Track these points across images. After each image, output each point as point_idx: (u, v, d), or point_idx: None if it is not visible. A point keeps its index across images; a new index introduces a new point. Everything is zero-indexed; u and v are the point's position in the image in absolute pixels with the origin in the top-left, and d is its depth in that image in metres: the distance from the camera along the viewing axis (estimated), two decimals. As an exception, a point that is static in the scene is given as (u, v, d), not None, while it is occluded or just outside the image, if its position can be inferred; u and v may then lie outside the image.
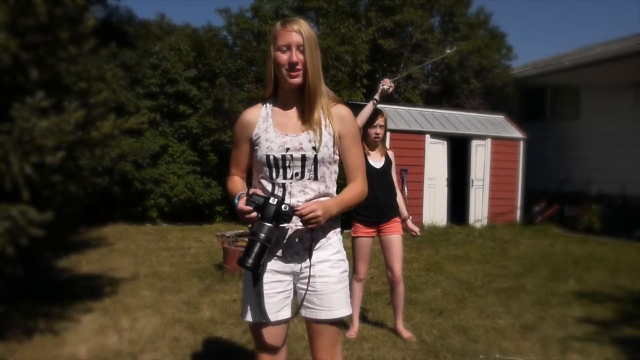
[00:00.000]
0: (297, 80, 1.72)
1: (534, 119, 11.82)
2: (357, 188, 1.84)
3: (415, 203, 9.65)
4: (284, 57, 1.70)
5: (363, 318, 3.99)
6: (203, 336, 3.59)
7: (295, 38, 1.68)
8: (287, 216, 1.66)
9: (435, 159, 9.95)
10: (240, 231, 6.04)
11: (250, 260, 1.63)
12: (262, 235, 1.63)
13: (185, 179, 9.79)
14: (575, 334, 3.77)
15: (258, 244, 1.63)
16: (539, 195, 10.89)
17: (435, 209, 9.98)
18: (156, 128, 9.84)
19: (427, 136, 9.83)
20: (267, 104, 1.84)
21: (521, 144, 10.68)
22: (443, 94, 12.69)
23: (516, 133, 10.75)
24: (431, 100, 12.31)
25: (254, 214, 1.66)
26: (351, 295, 3.40)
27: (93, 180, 4.09)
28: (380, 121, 3.61)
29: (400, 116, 9.89)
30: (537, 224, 10.31)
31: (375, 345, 3.45)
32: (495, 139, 10.43)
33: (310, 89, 1.72)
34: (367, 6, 12.08)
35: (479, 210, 10.39)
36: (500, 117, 11.14)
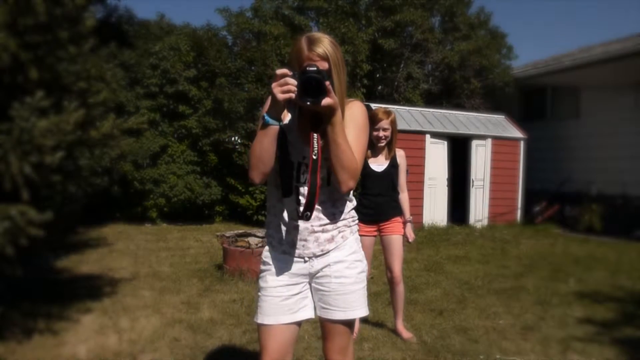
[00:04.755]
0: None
1: (534, 119, 11.82)
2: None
3: (416, 203, 9.64)
4: None
5: (363, 318, 3.98)
6: (203, 336, 3.59)
7: (321, 65, 1.60)
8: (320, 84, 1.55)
9: (436, 159, 9.94)
10: (240, 231, 6.04)
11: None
12: (312, 67, 1.54)
13: (185, 179, 9.78)
14: (576, 334, 3.77)
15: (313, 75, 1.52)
16: (539, 195, 10.89)
17: (435, 209, 9.98)
18: (156, 128, 9.83)
19: (428, 136, 9.83)
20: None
21: (521, 144, 10.67)
22: (443, 94, 12.69)
23: (516, 133, 10.75)
24: (431, 100, 12.31)
25: (292, 84, 1.53)
26: None
27: (92, 180, 4.10)
28: (383, 124, 3.47)
29: (401, 116, 9.88)
30: (538, 224, 10.31)
31: (375, 346, 3.45)
32: (495, 138, 10.43)
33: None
34: (367, 6, 12.07)
35: (479, 210, 10.38)
36: (500, 117, 11.14)
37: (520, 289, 5.14)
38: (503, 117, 11.16)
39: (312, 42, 1.66)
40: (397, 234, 3.57)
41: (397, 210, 3.62)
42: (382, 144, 3.53)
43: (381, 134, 3.48)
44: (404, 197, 3.68)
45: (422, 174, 9.76)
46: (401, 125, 9.56)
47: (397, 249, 3.57)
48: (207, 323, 3.86)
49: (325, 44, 1.65)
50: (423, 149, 9.75)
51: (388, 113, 3.52)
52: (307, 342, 3.39)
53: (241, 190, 9.97)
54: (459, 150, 10.26)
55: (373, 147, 3.55)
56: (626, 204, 9.50)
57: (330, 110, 1.56)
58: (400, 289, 3.63)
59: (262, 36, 10.83)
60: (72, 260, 6.08)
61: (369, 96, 11.33)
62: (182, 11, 35.21)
